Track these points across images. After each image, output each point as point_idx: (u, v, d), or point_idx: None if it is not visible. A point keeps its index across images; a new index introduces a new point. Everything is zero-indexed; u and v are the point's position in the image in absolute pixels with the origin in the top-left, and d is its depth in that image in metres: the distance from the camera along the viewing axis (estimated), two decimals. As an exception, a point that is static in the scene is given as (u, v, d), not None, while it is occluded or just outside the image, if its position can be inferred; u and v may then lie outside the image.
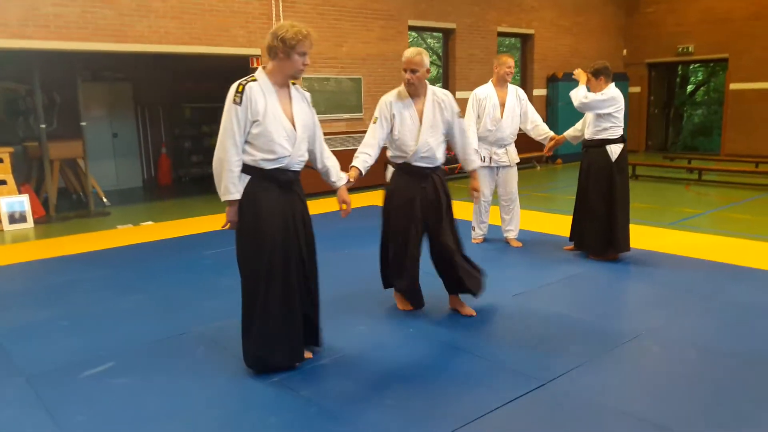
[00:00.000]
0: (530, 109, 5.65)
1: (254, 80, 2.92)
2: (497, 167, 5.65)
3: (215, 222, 7.31)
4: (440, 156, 3.88)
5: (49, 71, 9.78)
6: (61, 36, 6.84)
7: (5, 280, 5.13)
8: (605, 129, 5.01)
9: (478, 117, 5.56)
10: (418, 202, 3.81)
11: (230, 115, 2.84)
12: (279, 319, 3.00)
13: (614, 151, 5.02)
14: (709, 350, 3.34)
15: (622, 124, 5.08)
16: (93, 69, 10.45)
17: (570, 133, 5.43)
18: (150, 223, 7.48)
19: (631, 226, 5.24)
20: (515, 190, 5.71)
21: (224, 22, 8.11)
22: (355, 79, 9.63)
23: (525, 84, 12.75)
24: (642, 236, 5.91)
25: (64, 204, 8.85)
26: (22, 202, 7.40)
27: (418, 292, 3.98)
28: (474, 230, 5.90)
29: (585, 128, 5.20)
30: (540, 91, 12.72)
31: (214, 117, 11.87)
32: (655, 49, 14.18)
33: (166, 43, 7.62)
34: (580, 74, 5.15)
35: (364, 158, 3.85)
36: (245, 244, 2.99)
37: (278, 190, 2.98)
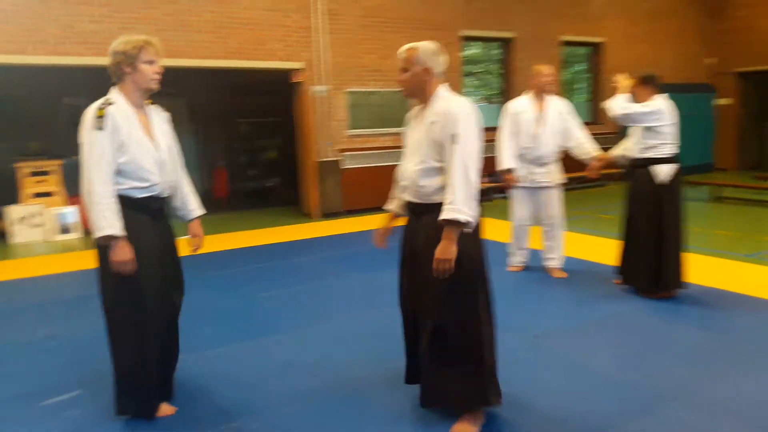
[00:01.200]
0: (574, 125, 4.99)
1: (111, 103, 2.61)
2: (537, 188, 5.02)
3: (250, 238, 7.09)
4: (431, 190, 2.59)
5: (104, 87, 10.04)
6: (99, 51, 6.83)
7: (30, 292, 5.10)
8: (652, 147, 4.31)
9: (515, 133, 4.97)
10: (404, 253, 2.80)
11: (93, 143, 2.51)
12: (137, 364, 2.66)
13: (663, 172, 4.30)
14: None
15: (673, 141, 4.36)
16: (150, 86, 10.61)
17: (618, 151, 4.74)
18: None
19: (701, 258, 4.49)
20: (558, 213, 5.05)
21: (262, 36, 7.93)
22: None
23: (595, 96, 11.86)
24: (710, 270, 5.08)
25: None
26: (72, 214, 7.47)
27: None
28: (511, 256, 5.28)
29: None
30: (611, 104, 11.76)
31: (268, 132, 11.96)
32: (746, 57, 12.84)
33: (202, 58, 7.52)
34: (620, 81, 4.48)
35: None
36: (114, 280, 2.57)
37: (151, 222, 2.70)
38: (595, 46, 11.69)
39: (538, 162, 4.95)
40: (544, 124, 4.90)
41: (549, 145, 4.92)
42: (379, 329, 3.83)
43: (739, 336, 3.67)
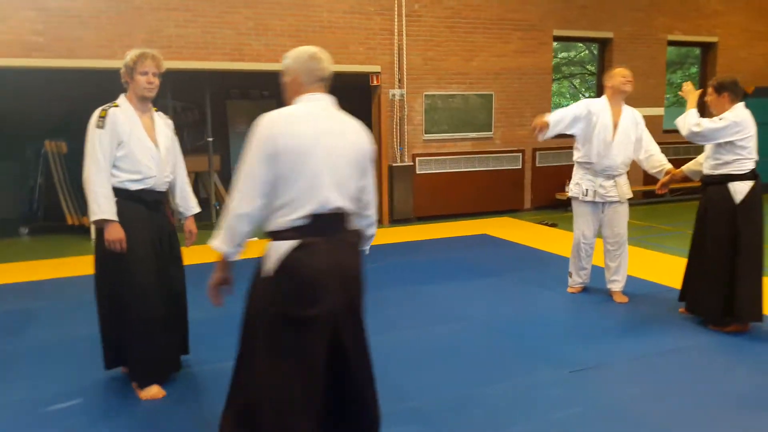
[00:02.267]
0: (646, 135, 4.54)
1: (116, 106, 3.03)
2: (603, 203, 4.60)
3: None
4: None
5: (202, 89, 10.54)
6: (182, 56, 7.15)
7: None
8: (727, 163, 3.82)
9: (584, 138, 4.58)
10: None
11: (94, 139, 2.93)
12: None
13: (739, 190, 3.80)
14: None
15: (754, 155, 3.81)
16: (242, 87, 11.03)
17: (691, 166, 4.24)
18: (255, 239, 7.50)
19: None
20: (624, 232, 4.60)
21: (343, 38, 7.93)
22: (485, 95, 8.86)
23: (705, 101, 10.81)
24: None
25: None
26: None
27: None
28: (571, 276, 4.88)
29: (705, 160, 4.01)
30: (723, 109, 10.68)
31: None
32: None
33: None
34: (688, 92, 4.03)
35: None
36: (110, 263, 2.97)
37: (147, 212, 3.05)
38: (706, 46, 10.66)
39: (607, 173, 4.54)
40: (618, 132, 4.48)
41: (620, 156, 4.49)
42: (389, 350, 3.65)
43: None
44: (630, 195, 4.61)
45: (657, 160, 4.44)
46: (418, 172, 8.53)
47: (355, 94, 10.80)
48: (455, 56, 8.59)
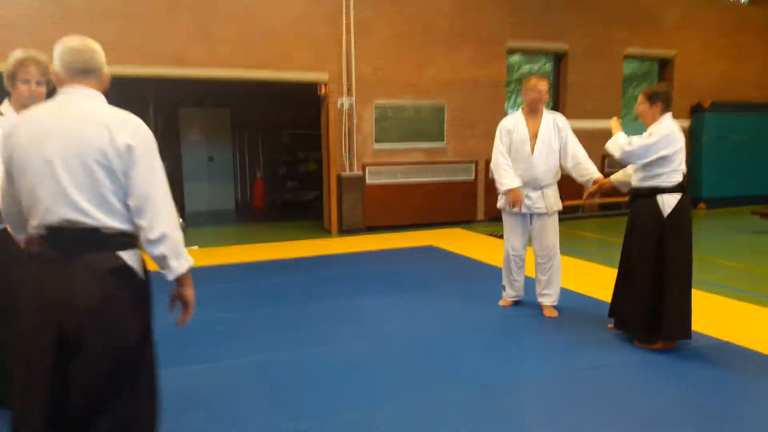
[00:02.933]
0: (571, 141, 4.40)
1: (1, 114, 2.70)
2: (531, 215, 4.46)
3: (259, 252, 6.90)
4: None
5: (155, 97, 10.32)
6: (120, 61, 6.91)
7: None
8: (656, 175, 3.71)
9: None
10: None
11: None
12: None
13: (667, 203, 3.67)
14: None
15: (682, 168, 3.71)
16: (195, 96, 10.81)
17: (619, 177, 4.11)
18: (196, 248, 7.26)
19: (726, 302, 3.77)
20: (554, 244, 4.46)
21: (289, 46, 7.77)
22: (437, 105, 8.75)
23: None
24: (734, 318, 4.32)
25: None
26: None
27: None
28: (504, 290, 4.73)
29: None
30: (681, 123, 10.61)
31: (310, 144, 11.81)
32: None
33: (225, 67, 7.44)
34: (614, 123, 3.99)
35: None
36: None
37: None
38: (664, 61, 10.69)
39: (532, 185, 4.40)
40: (538, 143, 4.35)
41: (542, 166, 4.35)
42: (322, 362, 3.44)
43: (746, 411, 2.98)
44: (558, 207, 4.47)
45: (585, 168, 4.32)
46: (368, 182, 8.37)
47: (305, 104, 10.70)
48: (406, 66, 8.47)
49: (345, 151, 8.23)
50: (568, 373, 3.44)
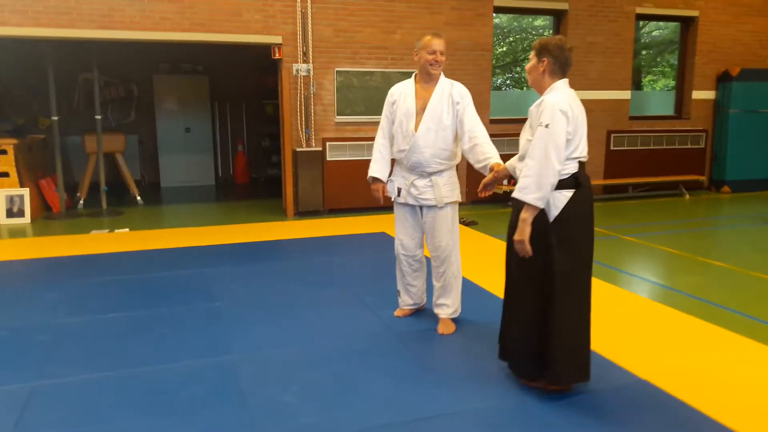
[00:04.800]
0: (469, 117, 3.50)
1: None
2: (420, 207, 3.62)
3: (200, 236, 6.28)
4: None
5: (129, 63, 9.78)
6: (39, 22, 6.34)
7: None
8: None
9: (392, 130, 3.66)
10: None
11: None
12: None
13: (554, 203, 2.74)
14: None
15: (579, 153, 2.76)
16: (171, 61, 10.21)
17: (514, 162, 3.18)
18: (126, 230, 6.72)
19: (688, 322, 2.87)
20: (448, 244, 3.61)
21: (235, 4, 6.98)
22: (409, 73, 7.79)
23: (681, 85, 9.52)
24: (687, 344, 3.40)
25: (111, 199, 8.53)
26: (22, 196, 7.18)
27: None
28: (399, 295, 3.93)
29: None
30: (705, 94, 9.40)
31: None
32: None
33: (161, 30, 6.76)
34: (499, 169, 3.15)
35: None
36: None
37: None
38: (685, 21, 9.33)
39: (418, 171, 3.55)
40: (425, 118, 3.49)
41: (429, 148, 3.49)
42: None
43: None
44: (453, 198, 3.60)
45: (481, 152, 3.42)
46: (328, 158, 7.59)
47: (263, 70, 9.87)
48: (373, 27, 7.57)
49: (300, 124, 7.46)
50: (404, 423, 2.65)
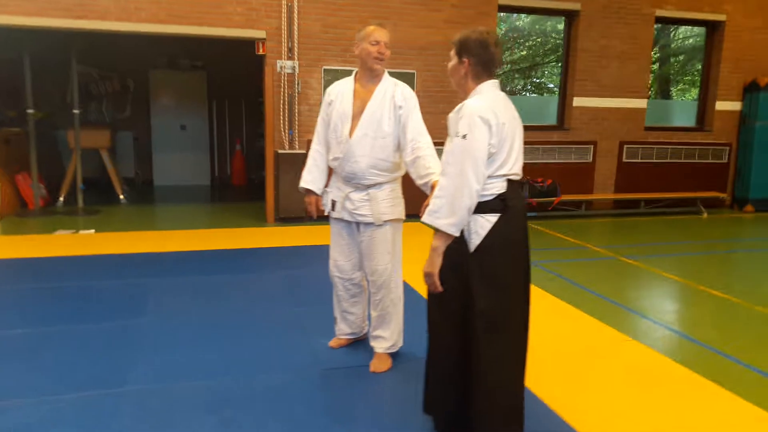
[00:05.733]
0: (413, 124, 3.00)
1: None
2: (357, 224, 3.14)
3: (162, 240, 5.90)
4: None
5: (125, 56, 9.50)
6: (6, 10, 6.03)
7: None
8: None
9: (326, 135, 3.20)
10: None
11: None
12: None
13: (476, 229, 2.23)
14: None
15: (509, 170, 2.25)
16: (169, 56, 9.91)
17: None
18: (92, 231, 6.37)
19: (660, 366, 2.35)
20: (385, 269, 3.12)
21: (215, -4, 6.59)
22: (405, 74, 7.33)
23: (705, 94, 8.80)
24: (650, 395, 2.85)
25: (90, 196, 8.25)
26: (-10, 192, 6.91)
27: None
28: (336, 323, 3.45)
29: None
30: (729, 105, 8.67)
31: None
32: None
33: (136, 21, 6.40)
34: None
35: None
36: None
37: None
38: (713, 26, 8.62)
39: (354, 182, 3.07)
40: (362, 122, 3.01)
41: (366, 158, 3.00)
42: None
43: None
44: (393, 216, 3.11)
45: (423, 166, 2.91)
46: (312, 162, 7.13)
47: (250, 66, 9.39)
48: (365, 24, 7.03)
49: (283, 125, 7.04)
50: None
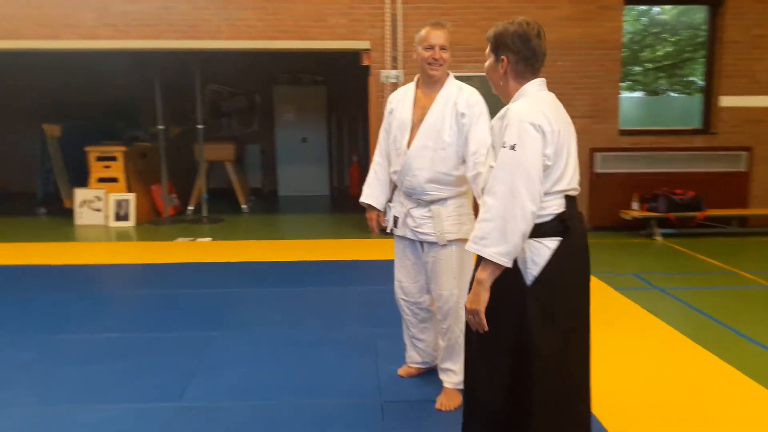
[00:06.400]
0: (477, 134, 2.64)
1: None
2: (421, 243, 2.84)
3: (261, 250, 6.03)
4: None
5: (251, 73, 9.97)
6: (130, 35, 6.51)
7: None
8: None
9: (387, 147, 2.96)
10: None
11: None
12: None
13: (534, 256, 1.86)
14: None
15: (566, 185, 1.85)
16: (291, 72, 10.22)
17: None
18: (208, 240, 6.66)
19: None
20: (452, 293, 2.78)
21: (320, 8, 6.60)
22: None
23: (709, 87, 7.30)
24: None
25: (217, 205, 8.72)
26: (128, 201, 7.49)
27: None
28: (406, 350, 3.17)
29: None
30: None
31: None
32: None
33: (247, 39, 6.61)
34: None
35: None
36: None
37: None
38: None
39: (415, 198, 2.77)
40: (421, 132, 2.72)
41: (425, 171, 2.70)
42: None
43: None
44: (459, 235, 2.73)
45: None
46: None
47: (363, 79, 9.35)
48: (472, 27, 6.73)
49: (389, 135, 6.87)
50: None
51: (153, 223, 7.68)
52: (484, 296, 1.82)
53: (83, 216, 7.40)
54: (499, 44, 1.93)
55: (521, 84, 1.91)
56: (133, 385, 3.05)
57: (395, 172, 2.82)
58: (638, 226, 6.88)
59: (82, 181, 7.54)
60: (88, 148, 7.44)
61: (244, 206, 8.65)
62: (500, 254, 1.77)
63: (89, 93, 9.21)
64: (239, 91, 10.30)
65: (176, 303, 4.38)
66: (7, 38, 6.49)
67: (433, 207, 2.73)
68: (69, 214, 7.53)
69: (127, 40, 6.51)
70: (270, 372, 3.21)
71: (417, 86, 2.83)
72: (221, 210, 8.44)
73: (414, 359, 3.13)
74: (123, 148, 7.48)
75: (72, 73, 9.02)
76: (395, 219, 2.89)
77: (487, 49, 1.99)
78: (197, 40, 6.59)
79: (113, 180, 7.49)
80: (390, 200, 3.00)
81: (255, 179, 10.38)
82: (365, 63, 6.77)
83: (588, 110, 6.81)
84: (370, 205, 3.00)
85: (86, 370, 3.22)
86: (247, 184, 9.78)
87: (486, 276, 1.81)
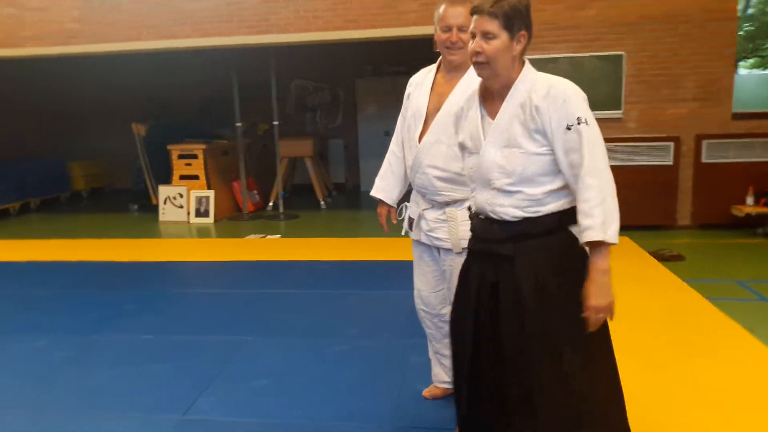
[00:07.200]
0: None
1: None
2: (438, 249, 2.46)
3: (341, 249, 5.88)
4: None
5: (334, 67, 9.86)
6: (203, 32, 6.56)
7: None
8: (559, 188, 1.74)
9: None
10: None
11: None
12: None
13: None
14: None
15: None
16: (374, 63, 9.98)
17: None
18: (278, 237, 6.60)
19: None
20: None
21: (388, -5, 6.29)
22: (609, 56, 6.13)
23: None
24: None
25: (298, 201, 8.74)
26: (208, 198, 7.62)
27: None
28: (432, 368, 2.80)
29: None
30: None
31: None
32: None
33: (315, 30, 6.43)
34: None
35: None
36: None
37: None
38: None
39: (429, 198, 2.40)
40: (436, 122, 2.34)
41: (436, 168, 2.32)
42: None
43: None
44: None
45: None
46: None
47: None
48: (558, 3, 6.11)
49: (463, 125, 6.42)
50: None
51: (232, 219, 7.76)
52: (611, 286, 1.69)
53: (167, 212, 7.63)
54: (516, 18, 1.69)
55: (522, 65, 1.77)
56: (144, 393, 2.92)
57: (408, 167, 2.46)
58: (753, 224, 5.94)
59: (169, 179, 7.77)
60: (170, 147, 7.64)
61: (321, 202, 8.55)
62: (616, 234, 1.66)
63: (184, 91, 9.58)
64: (323, 85, 10.24)
65: (222, 303, 4.28)
66: (101, 41, 6.77)
67: (447, 209, 2.34)
68: (157, 210, 7.80)
69: (201, 37, 6.57)
70: (288, 386, 2.96)
71: (438, 70, 2.44)
72: (300, 206, 8.40)
73: (440, 378, 2.74)
74: (203, 146, 7.61)
75: (172, 72, 9.36)
76: (411, 221, 2.52)
77: (493, 26, 1.67)
78: (268, 35, 6.51)
79: (194, 177, 7.64)
80: (407, 198, 2.64)
81: (339, 174, 10.29)
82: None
83: (697, 92, 5.93)
84: (381, 200, 2.65)
85: (107, 375, 3.14)
86: (329, 179, 9.71)
87: (609, 262, 1.68)
